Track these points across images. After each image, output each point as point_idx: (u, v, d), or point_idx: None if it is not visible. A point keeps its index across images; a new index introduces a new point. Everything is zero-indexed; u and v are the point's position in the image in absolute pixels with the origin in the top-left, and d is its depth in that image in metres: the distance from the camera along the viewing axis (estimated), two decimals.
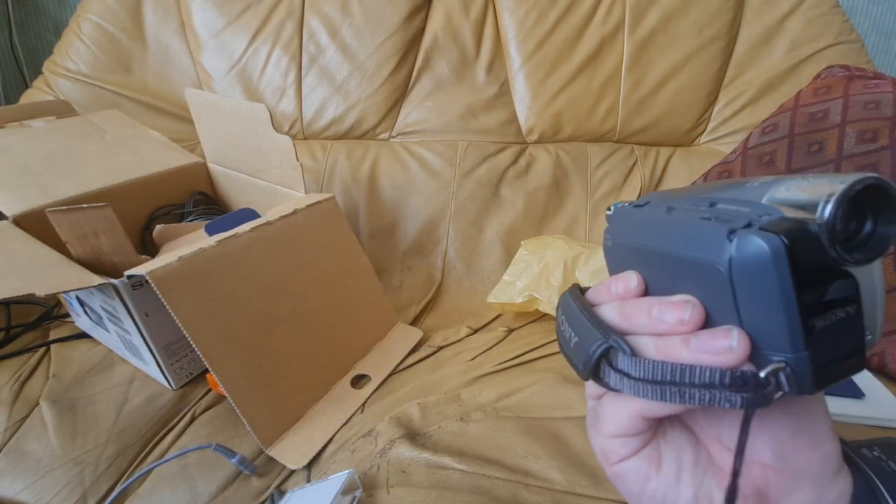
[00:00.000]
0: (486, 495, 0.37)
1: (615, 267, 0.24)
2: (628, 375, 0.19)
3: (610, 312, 0.21)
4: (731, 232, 0.16)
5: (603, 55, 0.86)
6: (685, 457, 0.21)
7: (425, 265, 0.81)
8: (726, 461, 0.20)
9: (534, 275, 0.66)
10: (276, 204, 0.61)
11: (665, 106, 0.86)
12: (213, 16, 0.89)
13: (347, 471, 0.38)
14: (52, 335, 0.61)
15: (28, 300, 0.66)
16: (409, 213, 0.83)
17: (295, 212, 0.57)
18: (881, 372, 0.53)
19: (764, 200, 0.17)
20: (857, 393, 0.47)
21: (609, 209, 0.25)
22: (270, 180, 0.69)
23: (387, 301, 0.67)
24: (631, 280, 0.21)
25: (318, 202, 0.61)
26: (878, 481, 0.20)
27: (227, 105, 0.69)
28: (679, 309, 0.18)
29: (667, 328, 0.19)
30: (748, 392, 0.16)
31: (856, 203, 0.15)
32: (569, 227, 0.83)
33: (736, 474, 0.17)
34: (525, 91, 0.87)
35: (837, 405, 0.46)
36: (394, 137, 0.90)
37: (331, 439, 0.49)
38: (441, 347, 0.63)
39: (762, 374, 0.16)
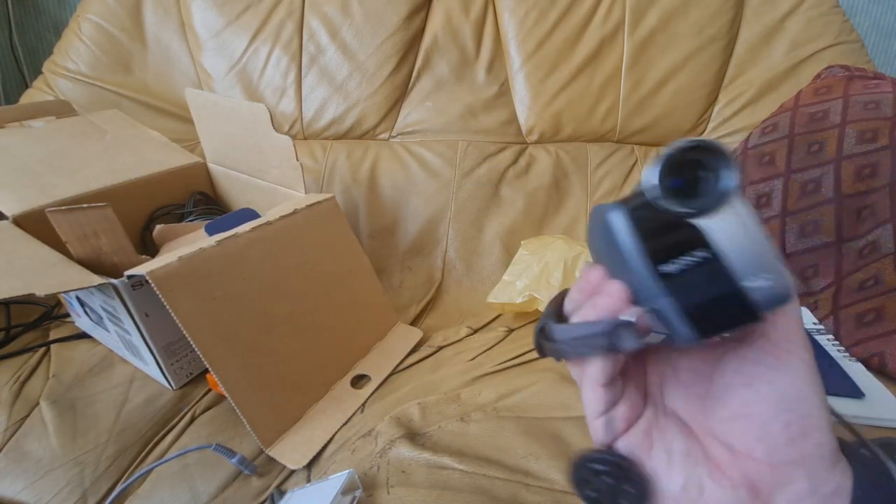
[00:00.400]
0: (486, 495, 0.37)
1: (593, 258, 0.27)
2: (551, 340, 0.22)
3: (568, 301, 0.24)
4: (598, 208, 0.20)
5: (603, 55, 0.86)
6: (676, 446, 0.22)
7: (425, 265, 0.81)
8: (721, 454, 0.21)
9: (534, 275, 0.66)
10: (276, 204, 0.61)
11: (665, 106, 0.86)
12: (213, 16, 0.89)
13: (347, 471, 0.38)
14: (52, 335, 0.61)
15: (28, 300, 0.66)
16: (409, 213, 0.83)
17: (295, 212, 0.57)
18: (881, 372, 0.53)
19: None
20: (857, 393, 0.47)
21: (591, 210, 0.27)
22: (270, 180, 0.69)
23: (387, 301, 0.67)
24: (590, 270, 0.24)
25: (318, 202, 0.61)
26: (891, 465, 0.20)
27: (227, 105, 0.69)
28: (586, 273, 0.22)
29: (585, 293, 0.22)
30: (616, 336, 0.19)
31: (683, 164, 0.17)
32: (569, 227, 0.83)
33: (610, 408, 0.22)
34: (525, 91, 0.87)
35: (837, 405, 0.46)
36: (394, 137, 0.90)
37: (331, 439, 0.49)
38: (441, 347, 0.63)
39: (625, 317, 0.19)
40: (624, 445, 0.22)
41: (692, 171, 0.18)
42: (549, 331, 0.23)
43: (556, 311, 0.24)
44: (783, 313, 0.19)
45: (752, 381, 0.20)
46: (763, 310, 0.18)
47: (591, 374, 0.22)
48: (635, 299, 0.19)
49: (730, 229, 0.18)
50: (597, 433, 0.23)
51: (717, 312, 0.18)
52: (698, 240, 0.18)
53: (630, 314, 0.19)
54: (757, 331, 0.20)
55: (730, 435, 0.21)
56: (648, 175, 0.17)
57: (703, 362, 0.22)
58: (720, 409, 0.21)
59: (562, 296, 0.25)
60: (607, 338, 0.19)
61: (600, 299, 0.20)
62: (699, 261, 0.18)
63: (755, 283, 0.18)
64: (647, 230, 0.18)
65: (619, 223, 0.19)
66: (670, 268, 0.18)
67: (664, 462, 0.22)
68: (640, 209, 0.19)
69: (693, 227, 0.18)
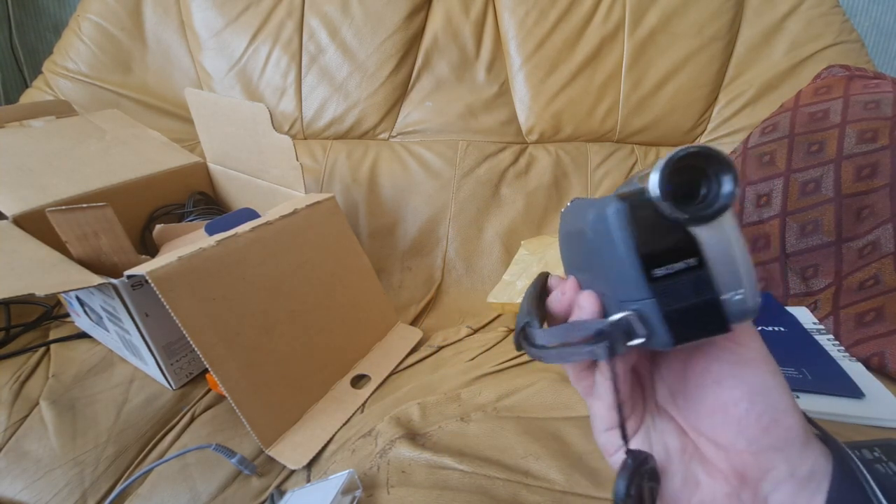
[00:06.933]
0: (486, 495, 0.37)
1: (563, 251, 0.27)
2: (534, 345, 0.22)
3: (551, 302, 0.25)
4: (594, 203, 0.20)
5: (603, 55, 0.86)
6: (672, 445, 0.23)
7: (425, 265, 0.81)
8: (709, 449, 0.22)
9: (534, 275, 0.66)
10: (276, 204, 0.61)
11: (665, 106, 0.86)
12: (213, 15, 0.89)
13: (347, 471, 0.38)
14: (52, 335, 0.61)
15: (28, 300, 0.66)
16: (409, 213, 0.83)
17: (295, 212, 0.57)
18: (881, 372, 0.52)
19: (639, 182, 0.19)
20: (857, 393, 0.47)
21: (567, 204, 0.27)
22: (270, 180, 0.69)
23: (387, 301, 0.67)
24: (568, 280, 0.25)
25: (318, 202, 0.60)
26: (853, 457, 0.21)
27: (227, 105, 0.69)
28: (563, 283, 0.24)
29: (565, 302, 0.23)
30: (602, 341, 0.19)
31: (685, 170, 0.17)
32: None
33: (621, 412, 0.21)
34: (525, 91, 0.87)
35: (837, 405, 0.46)
36: (394, 137, 0.90)
37: (331, 439, 0.49)
38: (441, 347, 0.63)
39: (611, 320, 0.19)
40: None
41: (694, 178, 0.18)
42: (530, 335, 0.23)
43: (536, 307, 0.24)
44: None
45: (721, 379, 0.21)
46: (733, 322, 0.18)
47: (601, 396, 0.23)
48: (614, 301, 0.20)
49: (720, 241, 0.18)
50: (605, 446, 0.24)
51: (695, 321, 0.18)
52: (690, 247, 0.18)
53: (614, 318, 0.19)
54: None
55: (712, 430, 0.22)
56: (652, 177, 0.17)
57: (678, 360, 0.23)
58: (699, 406, 0.22)
59: (537, 287, 0.25)
60: (593, 344, 0.20)
61: (575, 309, 0.22)
62: (687, 268, 0.18)
63: (732, 297, 0.18)
64: (642, 231, 0.18)
65: (617, 220, 0.18)
66: (660, 272, 0.18)
67: (663, 459, 0.23)
68: (637, 209, 0.18)
69: (687, 233, 0.18)
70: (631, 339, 0.19)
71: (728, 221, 0.18)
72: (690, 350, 0.22)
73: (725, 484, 0.21)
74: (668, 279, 0.18)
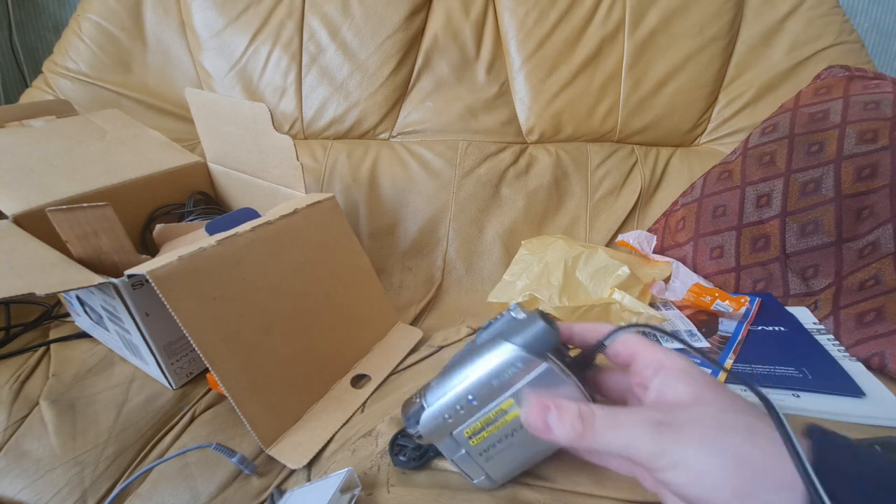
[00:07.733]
0: (485, 494, 0.37)
1: None
2: None
3: None
4: None
5: (603, 55, 0.86)
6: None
7: (425, 265, 0.81)
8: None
9: (534, 275, 0.66)
10: (276, 204, 0.61)
11: (665, 106, 0.86)
12: (214, 15, 0.89)
13: (346, 469, 0.38)
14: (52, 335, 0.61)
15: (28, 300, 0.66)
16: (409, 213, 0.83)
17: (295, 212, 0.57)
18: (881, 372, 0.53)
19: None
20: (857, 392, 0.47)
21: None
22: (270, 180, 0.69)
23: (387, 301, 0.67)
24: None
25: (319, 202, 0.60)
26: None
27: (228, 104, 0.69)
28: None
29: None
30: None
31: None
32: (569, 227, 0.83)
33: None
34: (525, 91, 0.87)
35: (837, 405, 0.46)
36: (394, 137, 0.90)
37: (331, 439, 0.49)
38: (441, 347, 0.63)
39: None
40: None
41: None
42: None
43: None
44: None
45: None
46: (489, 489, 0.36)
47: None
48: None
49: (445, 452, 0.34)
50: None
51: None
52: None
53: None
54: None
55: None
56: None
57: None
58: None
59: None
60: None
61: None
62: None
63: (472, 480, 0.36)
64: None
65: None
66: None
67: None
68: None
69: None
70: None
71: (446, 443, 0.33)
72: None
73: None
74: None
